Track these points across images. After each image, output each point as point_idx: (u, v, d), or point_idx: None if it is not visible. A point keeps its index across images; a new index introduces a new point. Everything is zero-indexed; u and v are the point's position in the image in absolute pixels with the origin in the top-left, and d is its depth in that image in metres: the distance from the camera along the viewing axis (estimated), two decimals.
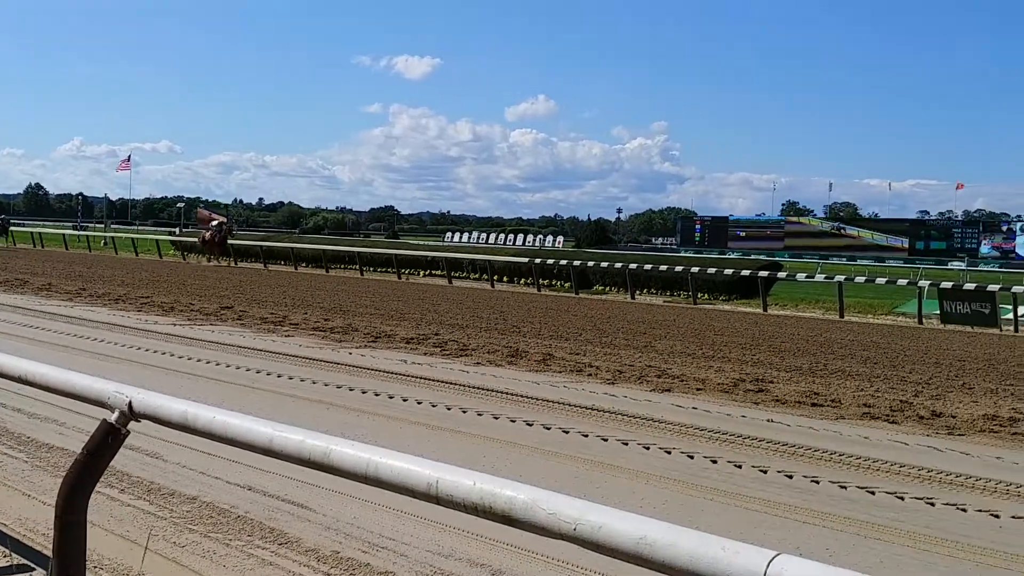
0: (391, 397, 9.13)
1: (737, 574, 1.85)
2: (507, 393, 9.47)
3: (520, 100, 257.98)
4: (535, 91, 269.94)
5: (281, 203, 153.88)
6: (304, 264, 35.83)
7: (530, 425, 8.02)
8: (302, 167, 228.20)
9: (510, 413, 8.45)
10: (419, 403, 8.86)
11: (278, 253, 37.74)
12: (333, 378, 10.05)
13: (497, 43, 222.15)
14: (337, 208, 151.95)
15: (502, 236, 75.64)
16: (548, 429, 7.88)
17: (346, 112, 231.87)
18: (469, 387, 9.80)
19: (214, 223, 37.39)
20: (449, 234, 74.79)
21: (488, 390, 9.63)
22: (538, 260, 30.22)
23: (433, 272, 32.07)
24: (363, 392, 9.35)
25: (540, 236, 79.80)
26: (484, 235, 77.12)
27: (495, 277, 30.55)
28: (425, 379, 10.22)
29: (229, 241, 37.11)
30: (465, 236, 77.60)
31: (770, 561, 1.81)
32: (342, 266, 35.10)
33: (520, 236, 76.03)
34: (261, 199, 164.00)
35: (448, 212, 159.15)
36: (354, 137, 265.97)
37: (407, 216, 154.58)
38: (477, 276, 31.60)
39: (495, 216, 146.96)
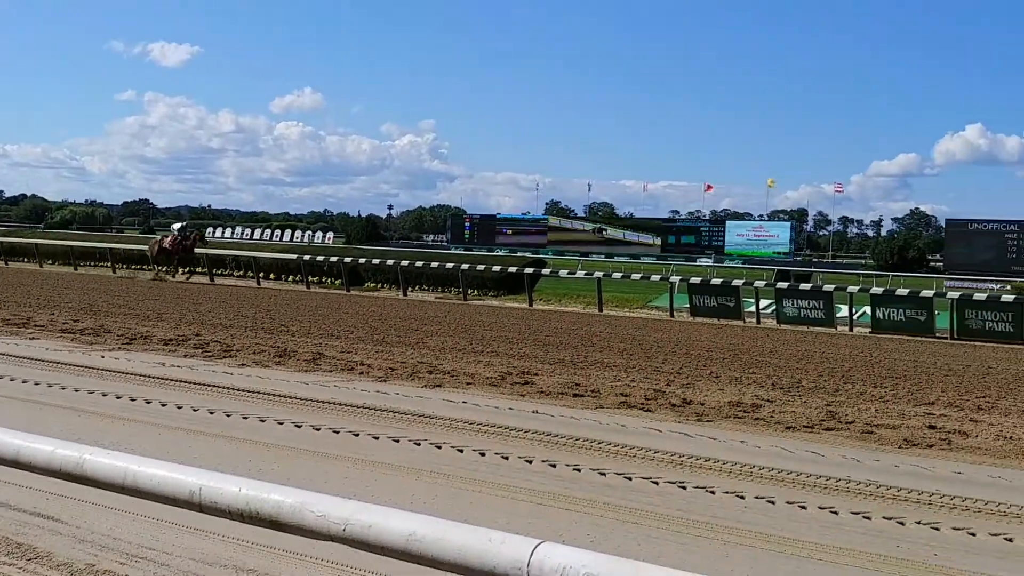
0: (148, 402, 8.69)
1: (504, 563, 1.90)
2: (275, 395, 9.24)
3: (286, 92, 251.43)
4: (301, 83, 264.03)
5: (24, 196, 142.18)
6: (50, 261, 33.35)
7: (299, 427, 7.87)
8: (47, 157, 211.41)
9: (278, 415, 8.26)
10: (179, 408, 8.48)
11: (20, 249, 34.94)
12: (84, 383, 9.44)
13: (261, 32, 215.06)
14: (87, 201, 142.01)
15: (268, 232, 73.68)
16: (318, 430, 7.76)
17: (97, 100, 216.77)
18: (234, 389, 9.48)
19: (176, 227, 31.86)
20: (211, 229, 71.97)
21: (254, 392, 9.36)
22: (307, 257, 29.66)
23: (194, 270, 30.75)
24: (118, 397, 8.84)
25: (309, 232, 78.39)
26: (249, 231, 74.84)
27: (261, 275, 29.70)
28: (186, 382, 9.80)
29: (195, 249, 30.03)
30: (228, 232, 74.94)
31: (534, 549, 1.88)
32: (92, 263, 32.96)
33: (288, 232, 74.35)
34: (1, 192, 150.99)
35: (209, 206, 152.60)
36: (106, 126, 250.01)
37: (164, 210, 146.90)
38: (242, 274, 30.61)
39: (260, 211, 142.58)
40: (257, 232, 73.82)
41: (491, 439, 7.62)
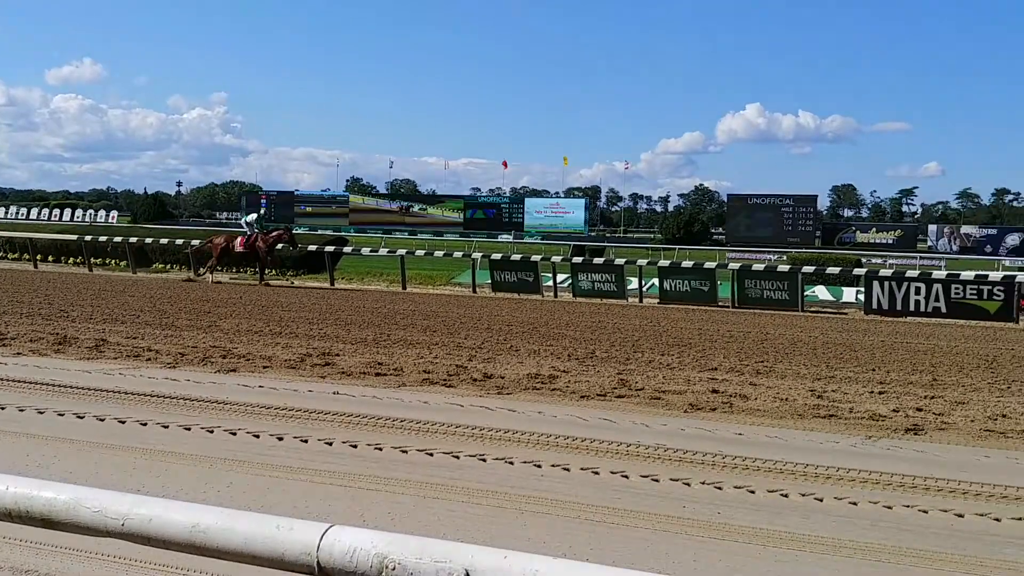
0: None
1: (292, 551, 1.86)
2: (53, 385, 8.67)
3: (63, 63, 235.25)
4: (80, 53, 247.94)
5: None
6: None
7: (81, 418, 7.42)
8: None
9: (57, 406, 7.75)
10: None
11: None
12: None
13: None
14: None
15: (46, 211, 68.90)
16: (102, 420, 7.35)
17: None
18: (9, 380, 8.83)
19: (251, 218, 25.20)
20: None
21: (31, 383, 8.74)
22: (89, 237, 27.94)
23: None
24: None
25: (91, 211, 73.84)
26: (24, 210, 69.75)
27: (38, 257, 27.76)
28: None
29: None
30: (1, 212, 69.57)
31: (323, 533, 1.85)
32: None
33: (68, 211, 69.78)
34: None
35: None
36: None
37: None
38: (16, 256, 28.51)
39: (37, 189, 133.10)
40: (34, 212, 68.92)
41: (289, 423, 7.45)
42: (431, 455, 6.56)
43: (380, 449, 6.68)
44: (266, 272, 23.97)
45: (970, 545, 4.97)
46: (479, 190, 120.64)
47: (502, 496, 5.60)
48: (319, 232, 54.44)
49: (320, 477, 5.95)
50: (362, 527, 1.89)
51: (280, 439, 6.90)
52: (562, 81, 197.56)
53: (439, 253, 28.47)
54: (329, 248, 26.05)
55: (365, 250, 29.53)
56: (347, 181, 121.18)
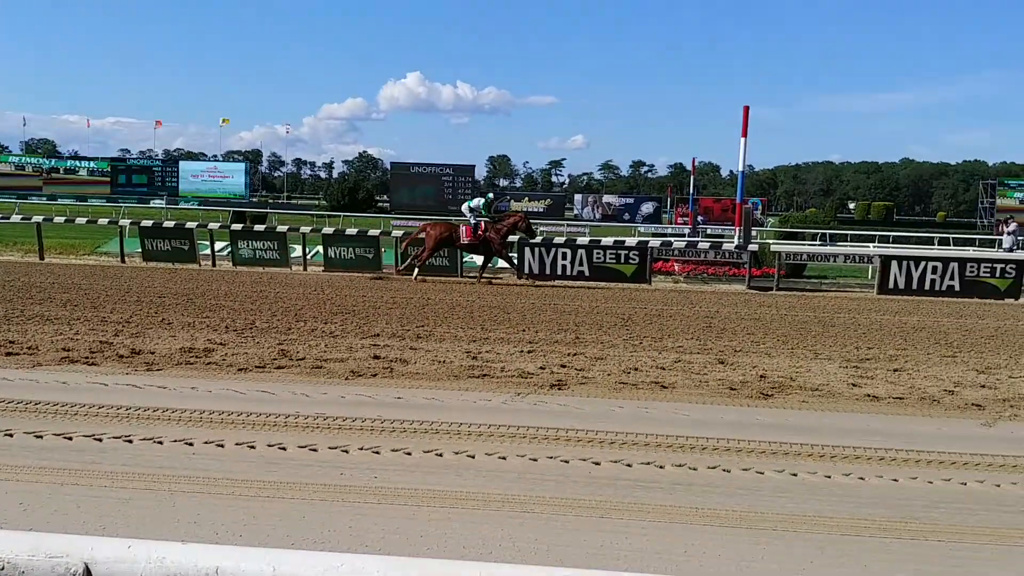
0: None
1: None
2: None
3: None
4: None
5: None
6: None
7: None
8: None
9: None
10: None
11: None
12: None
13: None
14: None
15: None
16: None
17: None
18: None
19: (477, 201, 19.94)
20: None
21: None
22: None
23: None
24: None
25: None
26: None
27: None
28: None
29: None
30: None
31: None
32: None
33: None
34: None
35: None
36: None
37: None
38: None
39: None
40: None
41: None
42: (70, 439, 6.06)
43: (11, 436, 6.08)
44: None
45: (605, 490, 5.42)
46: (129, 151, 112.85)
47: (149, 478, 5.30)
48: None
49: None
50: None
51: None
52: (220, 39, 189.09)
53: (82, 220, 26.29)
54: None
55: None
56: None
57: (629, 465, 5.95)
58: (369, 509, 4.94)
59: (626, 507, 5.13)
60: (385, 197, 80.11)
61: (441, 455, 6.01)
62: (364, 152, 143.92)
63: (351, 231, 22.48)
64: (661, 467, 5.94)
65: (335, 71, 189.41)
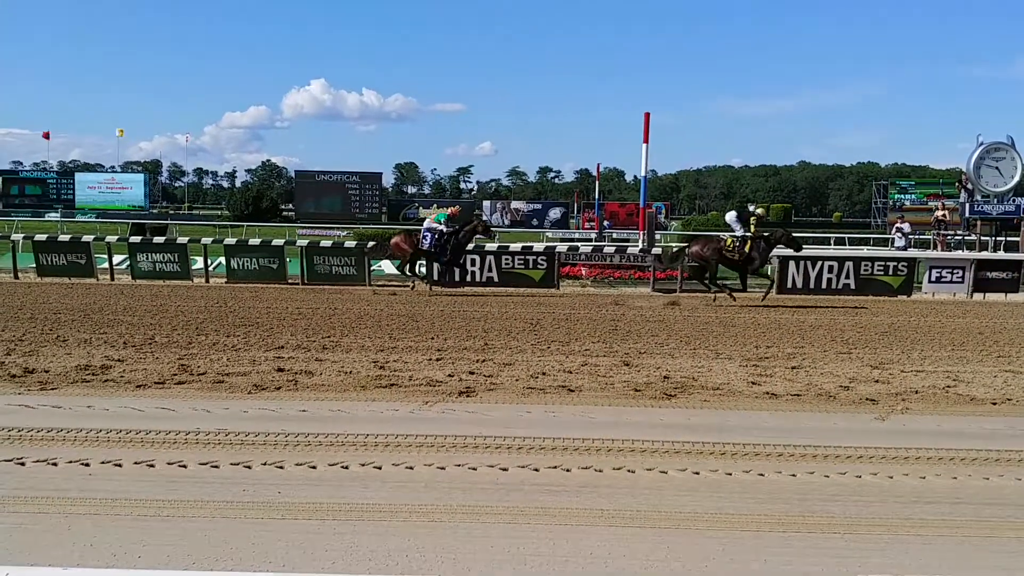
0: None
1: None
2: None
3: None
4: None
5: None
6: None
7: None
8: None
9: None
10: None
11: None
12: None
13: None
14: None
15: None
16: None
17: None
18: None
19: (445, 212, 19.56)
20: None
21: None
22: None
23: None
24: None
25: None
26: None
27: None
28: None
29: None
30: None
31: None
32: None
33: None
34: None
35: None
36: None
37: None
38: None
39: None
40: None
41: None
42: None
43: None
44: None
45: (513, 496, 5.45)
46: (21, 163, 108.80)
47: (43, 501, 5.12)
48: None
49: None
50: None
51: None
52: (117, 48, 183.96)
53: None
54: None
55: None
56: None
57: (537, 470, 5.99)
58: (274, 525, 4.86)
59: (534, 512, 5.16)
60: (290, 206, 78.99)
61: (347, 467, 5.95)
62: (268, 161, 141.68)
63: (255, 241, 22.08)
64: (568, 471, 5.99)
65: (237, 79, 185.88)
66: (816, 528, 5.01)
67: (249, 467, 5.90)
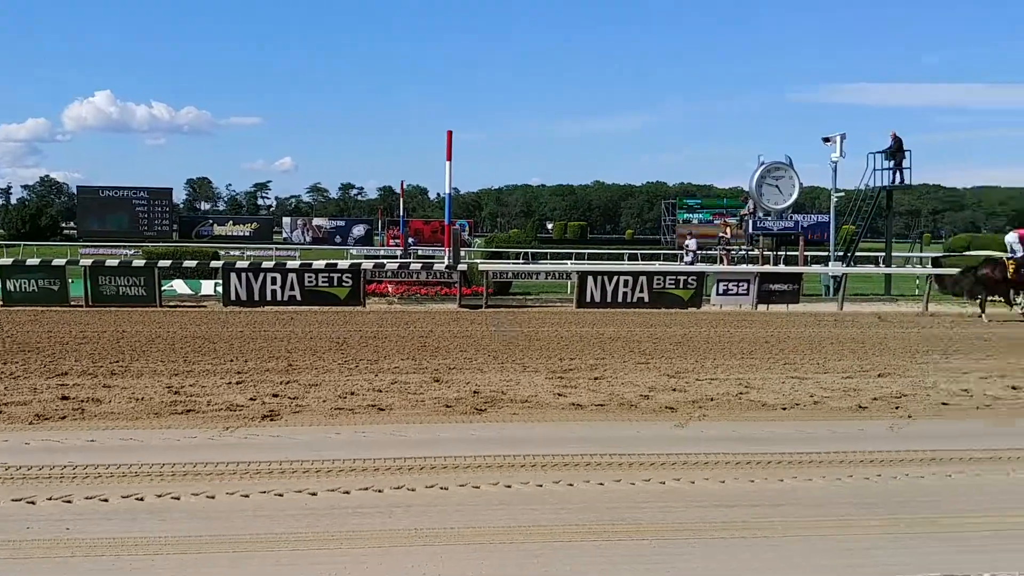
0: None
1: None
2: None
3: None
4: None
5: None
6: None
7: None
8: None
9: None
10: None
11: None
12: None
13: None
14: None
15: None
16: None
17: None
18: None
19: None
20: None
21: None
22: None
23: None
24: None
25: None
26: None
27: None
28: None
29: None
30: None
31: None
32: None
33: None
34: None
35: None
36: None
37: None
38: None
39: None
40: None
41: None
42: None
43: None
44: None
45: (323, 520, 5.27)
46: None
47: None
48: None
49: None
50: None
51: None
52: None
53: None
54: None
55: None
56: None
57: (347, 492, 5.83)
58: (62, 563, 4.48)
59: (345, 536, 5.00)
60: (72, 224, 74.30)
61: (142, 499, 5.58)
62: (47, 176, 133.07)
63: (33, 261, 20.59)
64: (380, 491, 5.86)
65: (11, 89, 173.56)
66: (626, 535, 5.12)
67: (33, 503, 5.44)
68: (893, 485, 6.31)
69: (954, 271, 20.62)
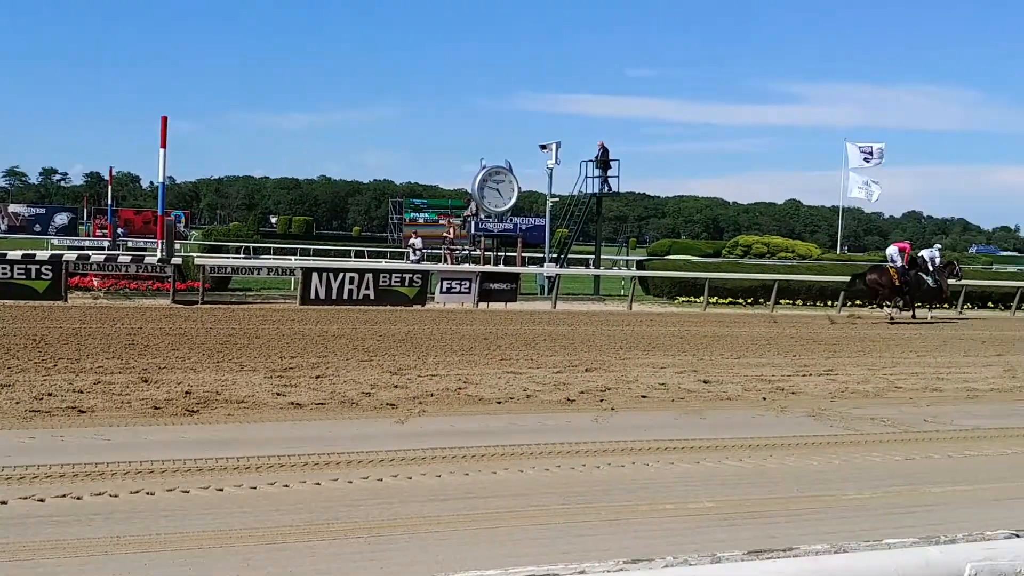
0: None
1: None
2: None
3: None
4: None
5: None
6: None
7: None
8: None
9: None
10: None
11: None
12: None
13: None
14: None
15: None
16: None
17: None
18: None
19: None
20: None
21: None
22: None
23: None
24: None
25: None
26: None
27: None
28: None
29: None
30: None
31: None
32: None
33: None
34: None
35: None
36: None
37: None
38: None
39: None
40: None
41: None
42: None
43: None
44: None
45: (14, 531, 4.93)
46: None
47: None
48: None
49: None
50: None
51: None
52: None
53: None
54: None
55: None
56: None
57: (42, 500, 5.45)
58: None
59: (38, 546, 4.68)
60: None
61: None
62: None
63: None
64: (79, 498, 5.52)
65: None
66: (340, 534, 5.14)
67: None
68: (596, 474, 6.75)
69: None
